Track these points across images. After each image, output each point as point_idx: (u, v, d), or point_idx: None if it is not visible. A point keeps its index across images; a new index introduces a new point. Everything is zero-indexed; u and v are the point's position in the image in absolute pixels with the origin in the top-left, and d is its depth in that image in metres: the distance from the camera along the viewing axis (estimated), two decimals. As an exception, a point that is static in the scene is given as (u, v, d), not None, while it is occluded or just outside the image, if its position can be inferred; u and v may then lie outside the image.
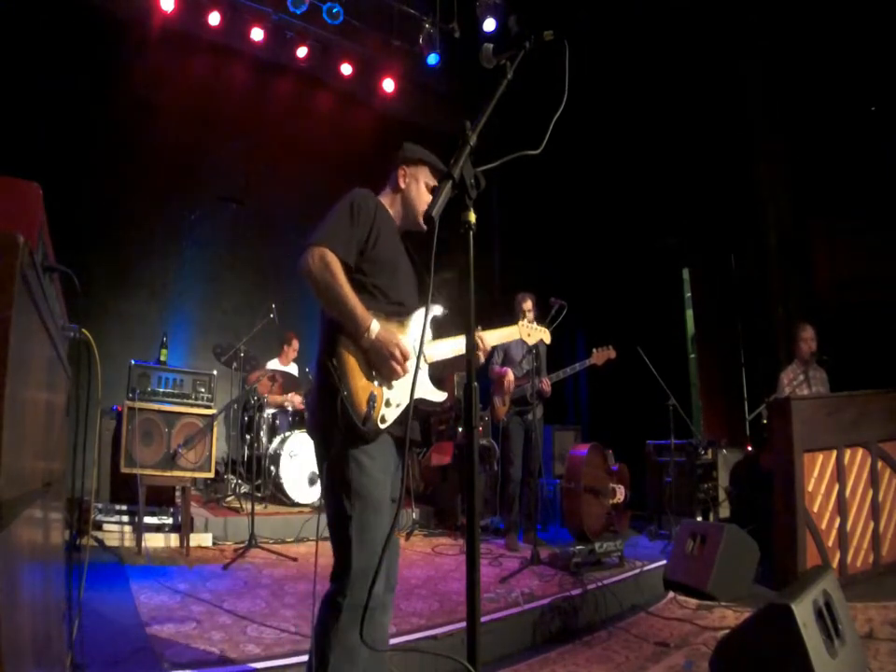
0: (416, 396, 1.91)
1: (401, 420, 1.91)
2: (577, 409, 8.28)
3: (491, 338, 2.21)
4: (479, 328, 2.14)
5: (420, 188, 2.15)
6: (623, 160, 7.22)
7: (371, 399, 1.84)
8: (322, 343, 1.91)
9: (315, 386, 1.94)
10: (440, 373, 2.11)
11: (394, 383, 1.91)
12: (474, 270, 1.39)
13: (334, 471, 1.82)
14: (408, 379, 1.93)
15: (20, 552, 1.16)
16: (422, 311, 2.05)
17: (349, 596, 1.74)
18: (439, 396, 2.06)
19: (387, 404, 1.89)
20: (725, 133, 6.57)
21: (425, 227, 2.12)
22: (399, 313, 2.00)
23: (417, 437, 2.10)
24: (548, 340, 2.52)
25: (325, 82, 7.63)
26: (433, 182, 2.16)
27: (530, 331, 2.42)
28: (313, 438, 2.00)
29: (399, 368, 1.88)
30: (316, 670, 1.73)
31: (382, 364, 1.87)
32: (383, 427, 1.86)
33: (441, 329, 2.12)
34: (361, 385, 1.85)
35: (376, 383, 1.88)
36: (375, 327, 1.85)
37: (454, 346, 2.07)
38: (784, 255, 6.38)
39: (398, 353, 1.86)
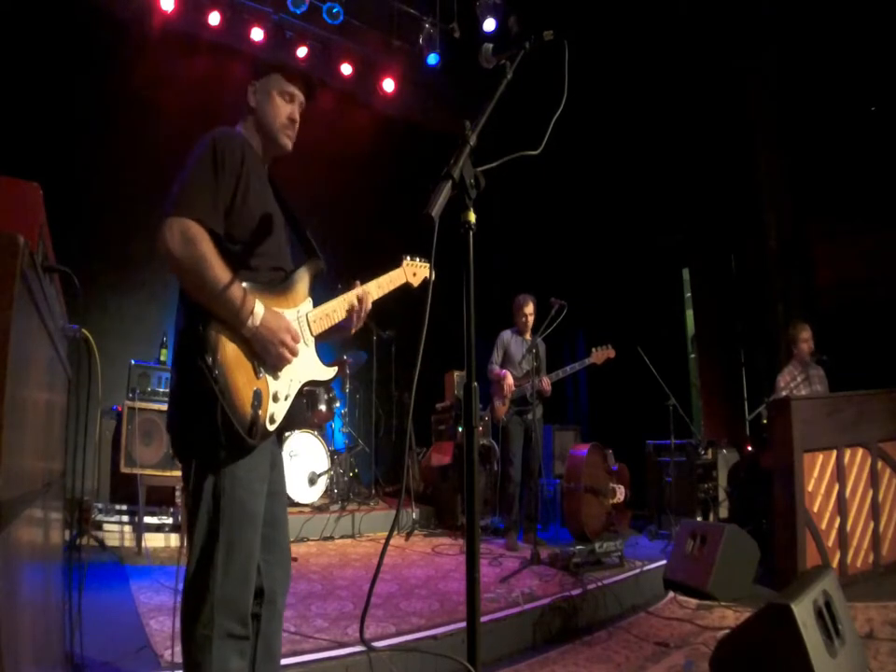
0: (306, 378, 1.74)
1: (290, 412, 1.66)
2: (577, 409, 8.27)
3: (374, 290, 1.92)
4: (357, 282, 1.90)
5: (274, 100, 1.79)
6: (624, 160, 7.21)
7: (256, 398, 1.55)
8: (186, 335, 1.54)
9: (180, 394, 1.60)
10: (326, 340, 1.85)
11: (280, 372, 1.64)
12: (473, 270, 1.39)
13: (201, 483, 1.54)
14: (296, 363, 1.68)
15: (20, 552, 1.16)
16: (304, 273, 1.80)
17: (216, 628, 1.48)
18: (327, 373, 1.80)
19: (275, 399, 1.61)
20: (725, 133, 6.57)
21: (289, 147, 1.85)
22: (277, 281, 1.71)
23: (303, 423, 1.82)
24: (431, 275, 1.64)
25: (325, 82, 7.63)
26: (289, 88, 1.81)
27: (415, 270, 2.10)
28: (182, 460, 1.63)
29: (289, 355, 1.62)
30: None
31: (268, 354, 1.59)
32: (272, 428, 1.60)
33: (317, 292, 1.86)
34: (243, 382, 1.53)
35: (260, 376, 1.58)
36: (259, 311, 1.55)
37: (336, 309, 1.82)
38: (784, 255, 6.38)
39: (288, 339, 1.60)
